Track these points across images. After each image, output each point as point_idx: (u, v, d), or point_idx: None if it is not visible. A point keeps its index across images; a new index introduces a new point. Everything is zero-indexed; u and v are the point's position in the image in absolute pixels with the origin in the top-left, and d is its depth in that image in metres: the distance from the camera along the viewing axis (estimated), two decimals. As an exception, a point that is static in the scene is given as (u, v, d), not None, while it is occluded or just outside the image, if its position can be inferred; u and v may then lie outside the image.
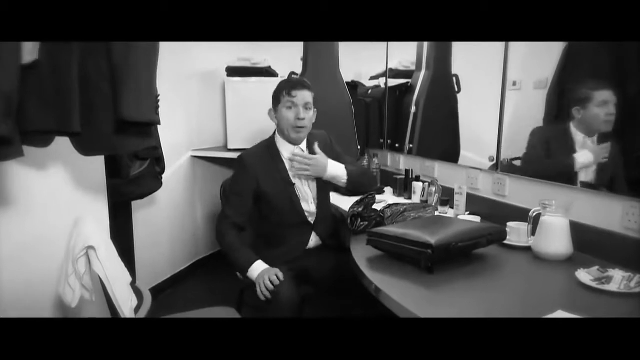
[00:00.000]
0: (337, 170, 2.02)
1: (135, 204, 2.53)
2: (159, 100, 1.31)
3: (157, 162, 2.30)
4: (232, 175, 2.03)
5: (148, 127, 1.26)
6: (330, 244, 2.08)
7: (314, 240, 2.04)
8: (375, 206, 1.92)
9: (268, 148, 2.00)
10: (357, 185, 2.06)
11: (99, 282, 1.30)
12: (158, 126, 2.16)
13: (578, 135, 1.70)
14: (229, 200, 2.00)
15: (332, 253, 2.04)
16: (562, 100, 1.77)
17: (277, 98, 1.97)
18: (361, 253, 1.60)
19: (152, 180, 2.26)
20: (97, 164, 1.50)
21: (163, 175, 2.39)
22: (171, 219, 3.15)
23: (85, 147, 1.20)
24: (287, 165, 1.99)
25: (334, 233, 2.12)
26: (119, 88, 1.14)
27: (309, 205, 2.02)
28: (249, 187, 1.94)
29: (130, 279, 1.44)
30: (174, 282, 3.16)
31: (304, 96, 1.93)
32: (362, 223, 1.84)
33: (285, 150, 2.00)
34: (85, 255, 1.29)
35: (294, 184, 1.98)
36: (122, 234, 2.17)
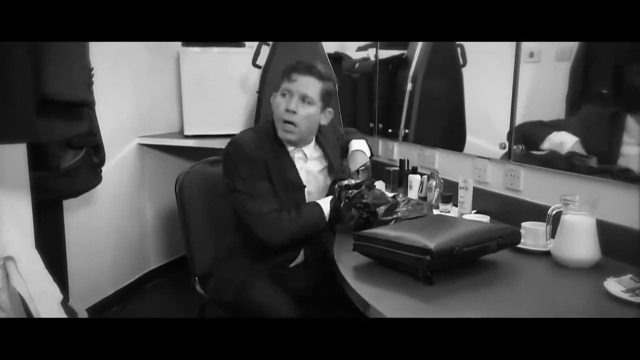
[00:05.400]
0: (364, 144, 2.16)
1: (67, 203, 2.48)
2: (93, 75, 1.29)
3: (95, 151, 2.26)
4: (232, 175, 1.86)
5: (79, 107, 1.23)
6: (310, 259, 2.05)
7: (299, 258, 2.00)
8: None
9: (269, 137, 1.90)
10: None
11: (19, 300, 1.27)
12: (95, 107, 2.16)
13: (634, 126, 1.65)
14: (252, 198, 1.81)
15: (315, 267, 2.03)
16: (590, 74, 1.78)
17: (280, 82, 1.91)
18: (347, 261, 1.59)
19: (88, 173, 2.22)
20: (17, 152, 1.46)
21: (103, 168, 2.34)
22: (114, 222, 3.11)
23: (-3, 132, 1.17)
24: (297, 165, 1.92)
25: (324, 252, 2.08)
26: (42, 59, 1.11)
27: None
28: (266, 182, 1.84)
29: (60, 297, 1.42)
30: (118, 299, 3.13)
31: (305, 84, 1.84)
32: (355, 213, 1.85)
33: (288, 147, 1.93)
34: (1, 268, 1.26)
35: (305, 186, 1.92)
36: (50, 241, 2.12)
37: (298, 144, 1.92)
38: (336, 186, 1.87)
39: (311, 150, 1.98)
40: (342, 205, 1.83)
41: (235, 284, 1.91)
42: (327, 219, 1.86)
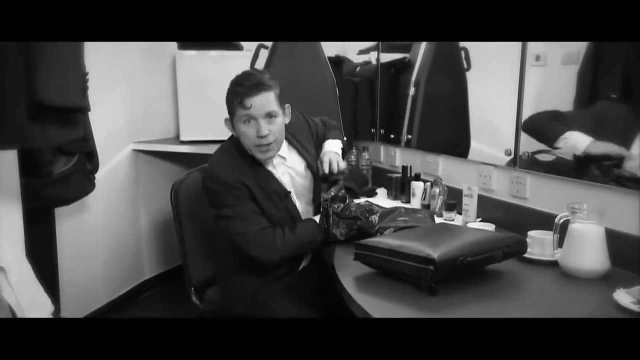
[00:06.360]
0: (336, 145, 2.11)
1: (59, 211, 2.49)
2: (88, 80, 1.29)
3: (89, 157, 2.27)
4: (217, 205, 1.89)
5: (73, 113, 1.24)
6: (318, 259, 2.08)
7: (307, 260, 2.03)
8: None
9: (240, 155, 1.90)
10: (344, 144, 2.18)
11: (10, 312, 1.27)
12: (89, 112, 2.17)
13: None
14: (241, 220, 1.84)
15: (316, 270, 2.04)
16: (598, 77, 1.78)
17: (230, 106, 1.86)
18: (348, 270, 1.59)
19: (81, 180, 2.23)
20: (8, 159, 1.46)
21: (96, 174, 2.35)
22: (107, 230, 3.10)
23: (-11, 139, 1.17)
24: (276, 172, 1.93)
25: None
26: (35, 63, 1.11)
27: (308, 213, 2.02)
28: (251, 203, 1.87)
29: (51, 308, 1.42)
30: (111, 310, 3.12)
31: (263, 103, 1.80)
32: (340, 230, 1.84)
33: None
34: (-9, 278, 1.26)
35: (289, 192, 1.94)
36: (41, 250, 2.12)
37: (274, 156, 1.92)
38: (322, 201, 1.86)
39: (285, 150, 1.98)
40: (330, 220, 1.84)
41: (246, 297, 1.91)
42: (323, 233, 1.87)
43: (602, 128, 1.80)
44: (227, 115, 1.90)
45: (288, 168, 1.97)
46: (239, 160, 1.89)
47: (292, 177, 1.97)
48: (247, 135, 1.83)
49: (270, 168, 1.92)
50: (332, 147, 2.09)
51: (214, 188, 1.86)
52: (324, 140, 2.15)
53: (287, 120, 1.93)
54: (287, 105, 1.93)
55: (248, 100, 1.78)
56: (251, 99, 1.78)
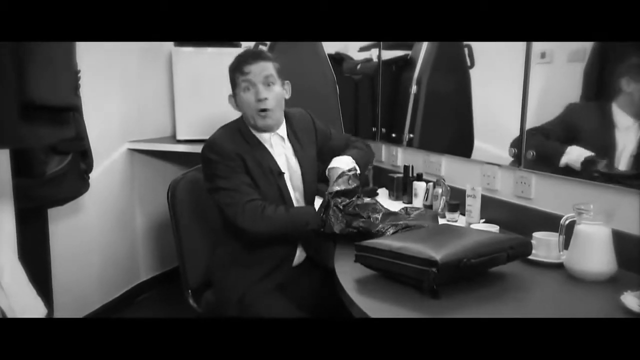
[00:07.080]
0: (346, 162, 2.09)
1: (52, 212, 2.48)
2: (79, 78, 1.29)
3: (83, 157, 2.27)
4: (212, 176, 1.93)
5: (65, 112, 1.23)
6: (315, 258, 2.08)
7: (299, 253, 2.04)
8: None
9: (241, 133, 1.98)
10: (363, 168, 2.17)
11: (2, 315, 1.26)
12: (83, 111, 2.17)
13: (622, 117, 1.70)
14: (233, 191, 1.89)
15: (312, 271, 2.06)
16: (605, 74, 1.78)
17: (232, 80, 1.98)
18: (348, 272, 1.59)
19: (75, 180, 2.22)
20: (0, 159, 1.45)
21: (90, 174, 2.35)
22: (101, 231, 3.11)
23: (-21, 138, 1.17)
24: (273, 152, 1.99)
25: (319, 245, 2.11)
26: (25, 61, 1.11)
27: (299, 202, 2.04)
28: (245, 176, 1.92)
29: (44, 311, 1.42)
30: (106, 313, 3.12)
31: (262, 69, 1.92)
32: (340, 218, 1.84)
33: (262, 136, 1.99)
34: (-18, 281, 1.26)
35: (284, 173, 1.99)
36: (33, 252, 2.12)
37: (274, 127, 2.00)
38: (326, 193, 1.87)
39: (284, 131, 2.05)
40: (330, 213, 1.83)
41: (236, 298, 1.91)
42: (317, 222, 1.87)
43: (577, 132, 1.85)
44: (230, 94, 2.00)
45: (285, 149, 2.03)
46: (240, 137, 1.97)
47: (287, 160, 2.02)
48: (248, 102, 1.93)
49: (268, 146, 1.99)
50: (338, 163, 2.06)
51: (211, 157, 1.92)
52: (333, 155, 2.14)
53: (287, 96, 2.03)
54: (287, 81, 2.02)
55: (247, 67, 1.91)
56: (249, 65, 1.91)
